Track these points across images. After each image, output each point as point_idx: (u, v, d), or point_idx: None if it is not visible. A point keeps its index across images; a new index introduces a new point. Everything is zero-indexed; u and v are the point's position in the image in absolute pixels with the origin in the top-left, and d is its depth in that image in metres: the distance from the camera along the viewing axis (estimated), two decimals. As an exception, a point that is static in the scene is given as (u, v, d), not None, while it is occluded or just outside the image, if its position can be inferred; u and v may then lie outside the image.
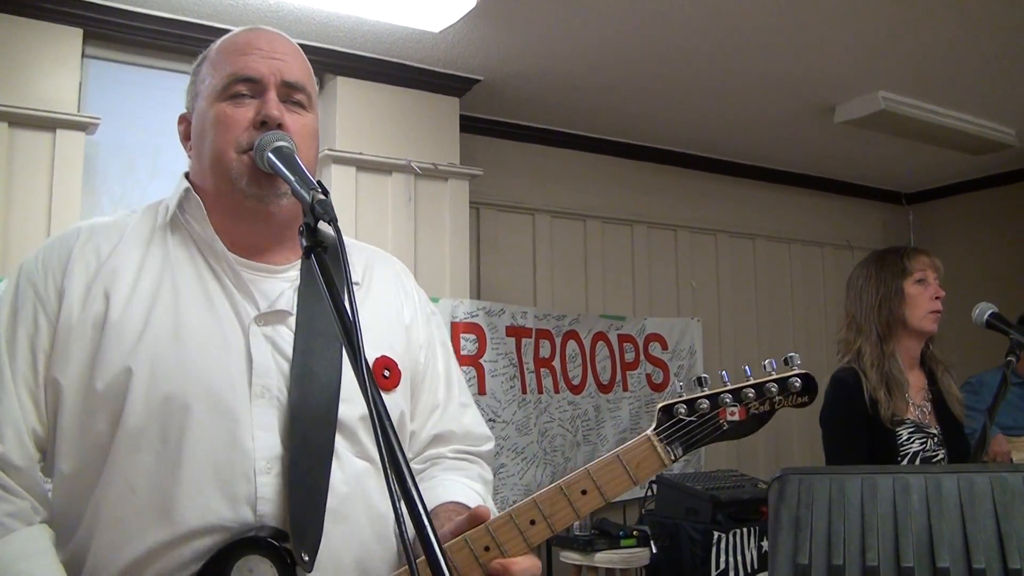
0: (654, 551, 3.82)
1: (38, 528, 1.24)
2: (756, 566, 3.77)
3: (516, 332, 4.47)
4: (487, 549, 1.20)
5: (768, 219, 6.02)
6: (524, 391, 4.45)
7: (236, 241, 1.37)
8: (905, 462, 2.55)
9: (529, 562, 1.21)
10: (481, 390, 4.22)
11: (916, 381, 2.73)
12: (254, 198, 1.34)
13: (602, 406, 4.87)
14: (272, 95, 1.35)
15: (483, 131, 4.77)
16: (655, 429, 1.25)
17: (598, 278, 5.23)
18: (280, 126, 1.33)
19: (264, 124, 1.33)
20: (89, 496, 1.25)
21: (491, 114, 4.75)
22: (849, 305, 2.83)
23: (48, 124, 3.29)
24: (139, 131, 3.62)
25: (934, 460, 2.60)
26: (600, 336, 4.95)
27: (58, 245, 1.35)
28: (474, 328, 4.23)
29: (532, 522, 1.21)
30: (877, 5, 3.55)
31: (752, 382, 1.26)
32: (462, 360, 4.15)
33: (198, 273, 1.34)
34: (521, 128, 4.94)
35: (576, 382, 4.78)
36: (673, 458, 1.23)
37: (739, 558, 3.74)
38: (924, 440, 2.59)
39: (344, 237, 1.14)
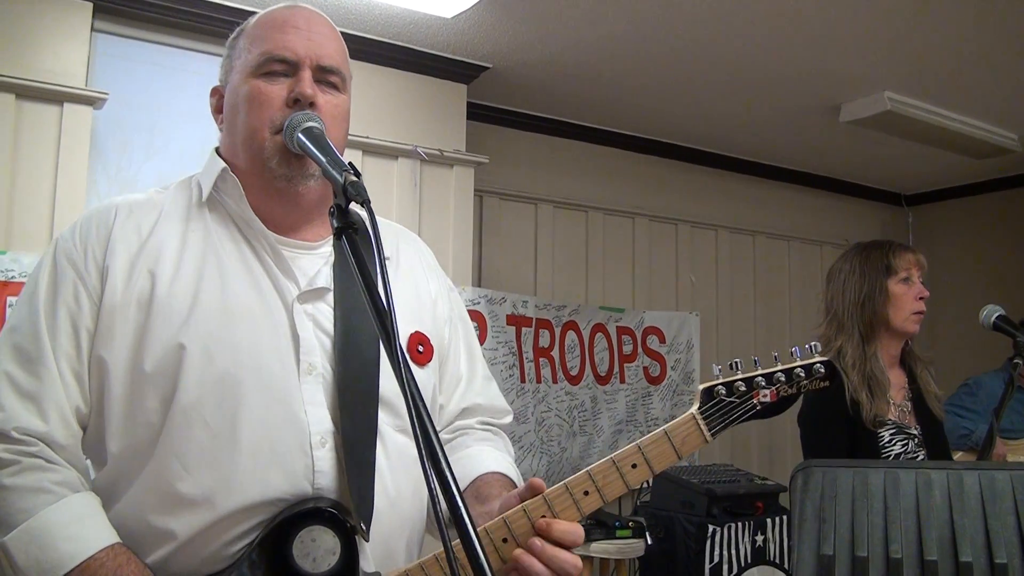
0: (649, 542, 3.84)
1: (87, 494, 1.25)
2: (750, 560, 3.80)
3: (516, 321, 4.48)
4: (543, 518, 1.26)
5: (768, 216, 6.04)
6: (523, 380, 4.46)
7: (269, 219, 1.38)
8: None
9: (571, 526, 1.25)
10: (480, 377, 4.22)
11: (896, 380, 2.69)
12: (283, 179, 1.34)
13: (599, 397, 4.88)
14: (306, 74, 1.35)
15: (489, 119, 4.77)
16: (699, 408, 1.30)
17: (598, 269, 5.24)
18: (312, 105, 1.33)
19: (297, 102, 1.33)
20: (138, 475, 1.25)
21: (498, 102, 4.74)
22: (830, 299, 2.77)
23: (56, 97, 3.27)
24: (139, 108, 3.60)
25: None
26: (599, 327, 4.96)
27: (96, 222, 1.34)
28: (475, 316, 4.23)
29: (586, 492, 1.27)
30: (885, 6, 3.55)
31: (783, 367, 1.33)
32: (462, 347, 4.15)
33: (239, 251, 1.35)
34: (527, 117, 4.94)
35: (574, 373, 4.79)
36: (713, 435, 1.30)
37: (733, 552, 3.77)
38: (905, 441, 2.57)
39: (371, 206, 1.14)
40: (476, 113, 4.54)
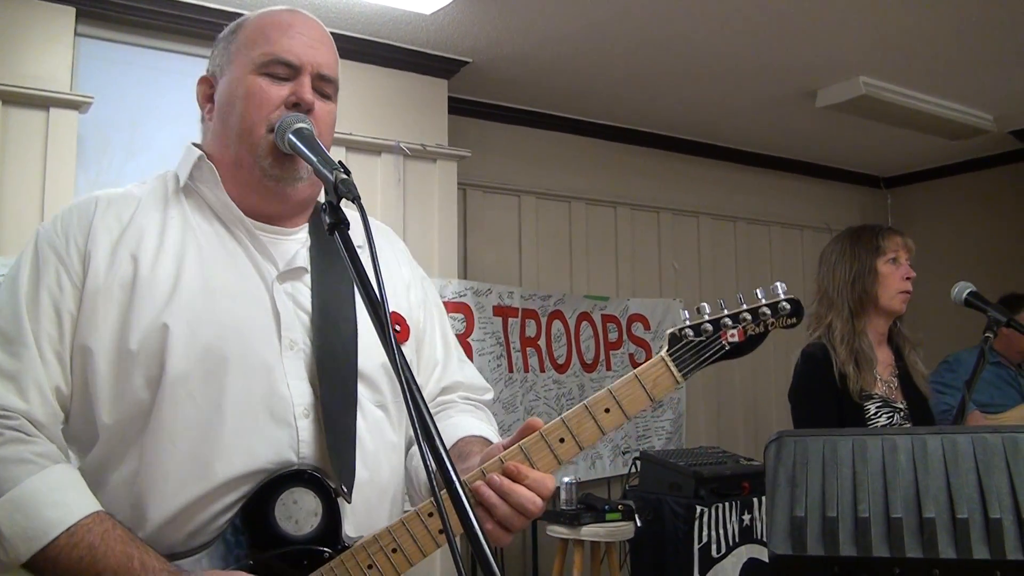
0: (638, 525, 3.91)
1: (67, 465, 1.28)
2: (737, 539, 3.86)
3: (503, 312, 4.54)
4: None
5: (749, 202, 6.12)
6: (511, 370, 4.52)
7: (249, 209, 1.42)
8: None
9: (540, 475, 1.29)
10: (469, 368, 4.28)
11: (884, 357, 2.79)
12: (274, 179, 1.39)
13: (586, 385, 4.95)
14: (307, 79, 1.40)
15: (471, 113, 4.82)
16: (667, 351, 1.33)
17: (582, 259, 5.30)
18: (309, 111, 1.39)
19: (295, 106, 1.38)
20: (129, 451, 1.29)
21: (479, 96, 4.80)
22: (821, 279, 2.87)
23: (41, 102, 3.31)
24: (120, 109, 3.63)
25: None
26: (584, 316, 5.03)
27: (77, 212, 1.37)
28: (462, 308, 4.29)
29: (561, 440, 1.30)
30: (860, -9, 3.63)
31: (748, 307, 1.36)
32: (450, 339, 4.21)
33: (217, 234, 1.40)
34: (508, 110, 5.00)
35: (561, 361, 4.86)
36: (684, 376, 1.33)
37: (720, 531, 3.84)
38: (891, 414, 2.66)
39: (361, 202, 1.19)
40: (457, 107, 4.59)
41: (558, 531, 4.06)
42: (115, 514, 1.26)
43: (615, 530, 4.00)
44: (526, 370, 4.63)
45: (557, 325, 4.88)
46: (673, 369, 1.32)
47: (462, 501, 0.95)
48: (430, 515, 1.28)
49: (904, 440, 1.14)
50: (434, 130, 4.29)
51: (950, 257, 6.16)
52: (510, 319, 4.59)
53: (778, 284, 1.38)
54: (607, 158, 5.44)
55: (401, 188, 4.14)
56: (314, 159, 1.25)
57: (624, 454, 4.97)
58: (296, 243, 1.46)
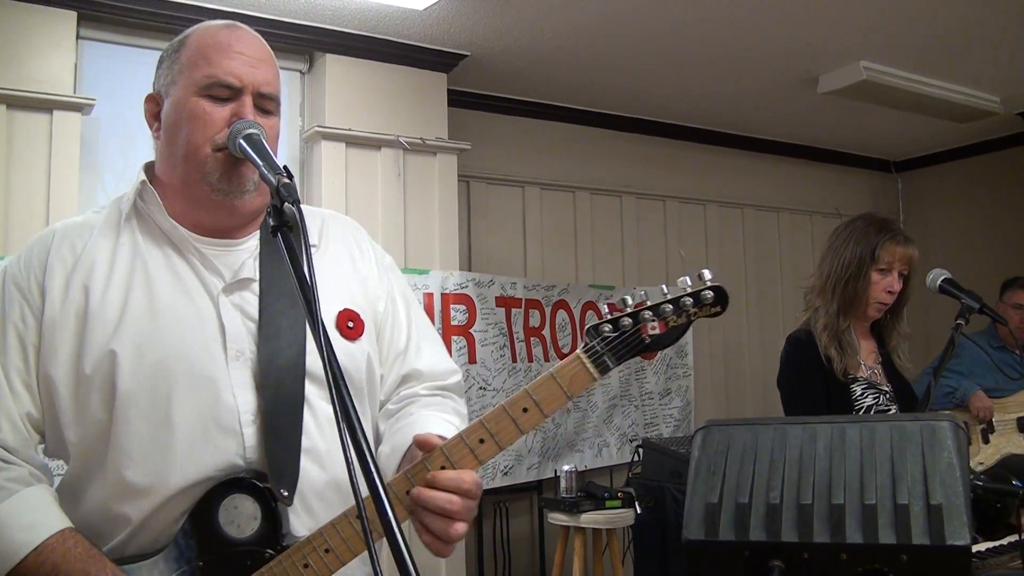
0: (638, 512, 3.95)
1: (39, 486, 1.40)
2: (737, 525, 3.90)
3: (505, 302, 4.58)
4: (443, 468, 1.33)
5: (757, 189, 6.11)
6: (514, 360, 4.57)
7: (199, 224, 1.50)
8: None
9: (454, 474, 1.32)
10: (471, 359, 4.34)
11: (867, 346, 2.85)
12: (222, 193, 1.46)
13: (592, 373, 4.97)
14: (248, 99, 1.46)
15: (471, 105, 4.86)
16: (583, 348, 1.35)
17: (587, 249, 5.33)
18: None
19: None
20: (97, 469, 1.40)
21: (479, 88, 4.83)
22: (825, 251, 2.89)
23: (45, 105, 3.39)
24: (136, 108, 3.70)
25: (888, 414, 2.72)
26: (590, 305, 5.06)
27: (37, 247, 1.48)
28: (463, 299, 4.34)
29: (481, 440, 1.33)
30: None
31: (669, 298, 1.35)
32: (452, 330, 4.27)
33: (165, 255, 1.48)
34: (509, 102, 5.03)
35: (566, 351, 4.89)
36: (601, 372, 1.34)
37: (721, 518, 3.87)
38: (877, 396, 2.72)
39: (300, 206, 1.25)
40: (457, 100, 4.63)
41: (558, 519, 4.12)
42: (93, 524, 1.39)
43: (615, 517, 4.05)
44: (530, 360, 4.67)
45: (562, 315, 4.91)
46: (589, 366, 1.33)
47: (384, 506, 1.00)
48: (357, 517, 1.32)
49: (824, 428, 1.18)
50: (434, 124, 4.34)
51: (962, 240, 6.13)
52: (513, 309, 4.63)
53: (705, 270, 1.36)
54: (611, 147, 5.46)
55: (401, 182, 4.19)
56: (260, 163, 1.31)
57: (631, 442, 5.00)
58: (244, 253, 1.52)
